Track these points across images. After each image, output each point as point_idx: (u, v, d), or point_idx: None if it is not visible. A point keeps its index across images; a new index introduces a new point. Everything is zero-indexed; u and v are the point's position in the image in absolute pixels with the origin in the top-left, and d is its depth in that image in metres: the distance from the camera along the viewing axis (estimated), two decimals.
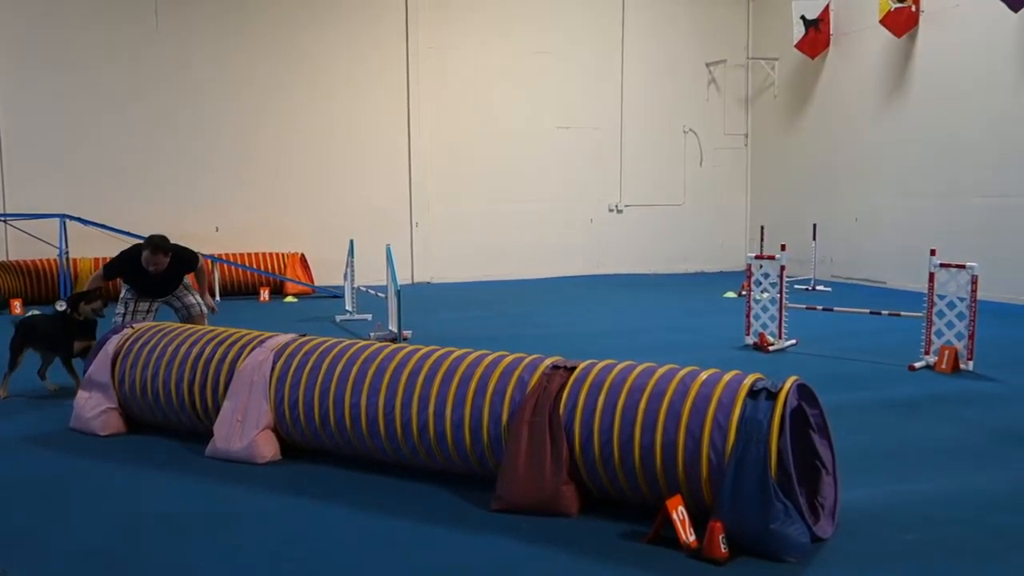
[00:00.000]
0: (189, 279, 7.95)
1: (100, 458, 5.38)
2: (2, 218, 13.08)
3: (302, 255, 14.76)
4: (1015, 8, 12.15)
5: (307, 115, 15.51)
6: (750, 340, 9.14)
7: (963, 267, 7.82)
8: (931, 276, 8.06)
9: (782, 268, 8.98)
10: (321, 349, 5.27)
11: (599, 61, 17.30)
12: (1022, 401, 6.81)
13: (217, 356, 5.55)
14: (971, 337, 7.76)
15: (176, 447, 5.60)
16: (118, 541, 4.08)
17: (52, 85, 14.12)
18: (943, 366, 7.78)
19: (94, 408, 5.87)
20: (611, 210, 17.64)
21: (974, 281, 7.73)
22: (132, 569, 3.78)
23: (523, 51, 16.68)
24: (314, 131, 15.57)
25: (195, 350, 5.67)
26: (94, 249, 13.51)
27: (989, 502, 4.52)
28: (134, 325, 6.26)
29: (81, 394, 5.98)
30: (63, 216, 12.63)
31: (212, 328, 5.99)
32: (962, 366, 7.78)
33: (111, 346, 6.02)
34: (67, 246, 12.69)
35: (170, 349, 5.77)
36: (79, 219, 12.80)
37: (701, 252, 18.18)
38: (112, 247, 13.41)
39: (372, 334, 9.41)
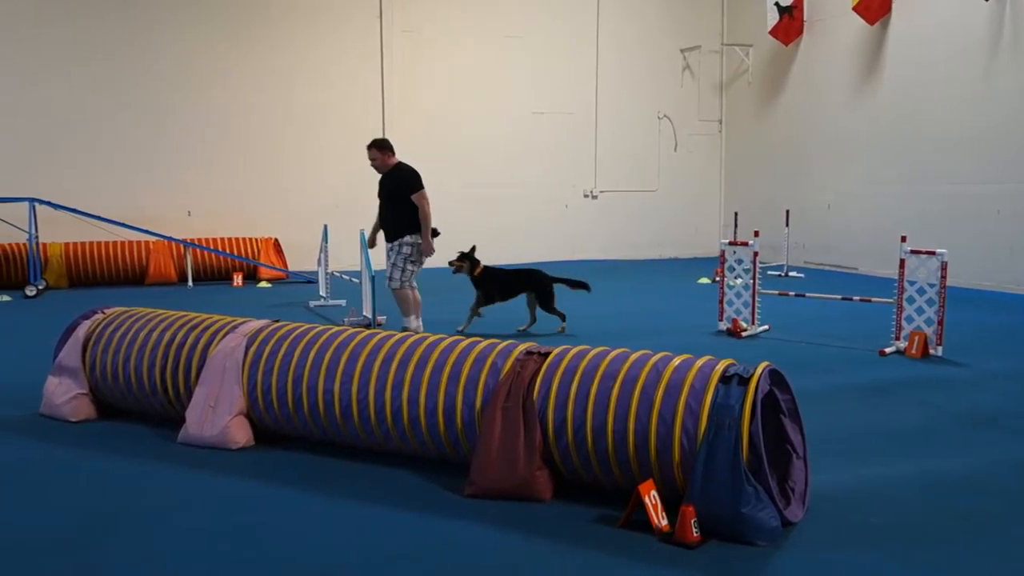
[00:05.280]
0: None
1: (71, 444, 5.33)
2: None
3: (276, 240, 14.67)
4: None
5: (281, 98, 15.39)
6: (723, 326, 9.20)
7: (933, 253, 7.90)
8: (902, 262, 8.14)
9: (755, 254, 9.03)
10: (294, 335, 5.25)
11: (574, 46, 17.28)
12: (989, 386, 6.90)
13: (189, 341, 5.51)
14: (940, 323, 7.85)
15: (148, 433, 5.56)
16: (88, 527, 4.05)
17: (21, 70, 13.91)
18: (913, 351, 7.87)
19: (65, 394, 5.82)
20: (586, 195, 17.66)
21: (944, 267, 7.81)
22: (103, 555, 3.76)
23: (498, 35, 16.63)
24: (288, 115, 15.45)
25: (167, 335, 5.63)
26: (64, 234, 13.37)
27: (955, 485, 4.59)
28: (105, 310, 6.21)
29: (51, 379, 5.92)
30: (32, 200, 12.47)
31: (185, 313, 5.94)
32: (931, 351, 7.88)
33: (82, 331, 5.96)
34: (37, 230, 12.53)
35: (142, 334, 5.72)
36: (49, 203, 12.64)
37: (675, 238, 18.26)
38: (82, 232, 13.36)
39: (346, 320, 9.39)
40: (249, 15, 15.12)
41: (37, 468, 4.93)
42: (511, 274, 9.14)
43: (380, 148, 8.47)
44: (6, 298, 11.83)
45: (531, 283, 8.93)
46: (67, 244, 13.40)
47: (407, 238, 8.29)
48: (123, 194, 14.28)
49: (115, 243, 13.63)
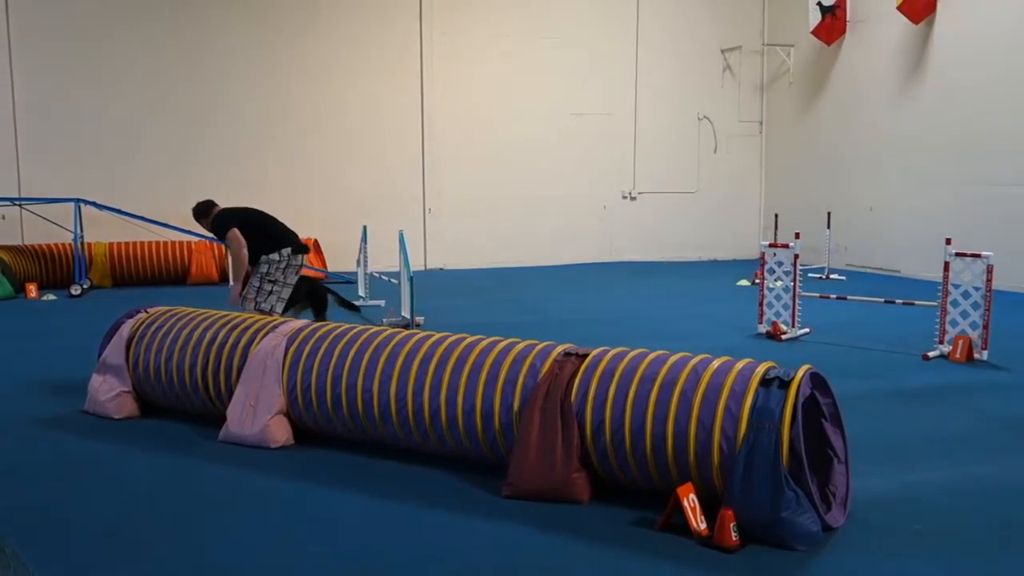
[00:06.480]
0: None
1: (114, 441, 5.42)
2: (18, 203, 13.15)
3: (315, 240, 14.77)
4: None
5: (320, 100, 15.50)
6: (763, 328, 9.11)
7: (978, 256, 7.77)
8: (946, 265, 8.01)
9: (796, 256, 8.94)
10: (334, 335, 5.29)
11: (613, 47, 17.21)
12: None
13: (231, 341, 5.58)
14: (986, 327, 7.72)
15: (189, 431, 5.63)
16: (130, 523, 4.11)
17: (67, 71, 14.15)
18: (957, 356, 7.75)
19: (108, 391, 5.91)
20: (624, 197, 17.59)
21: (989, 270, 7.68)
22: (143, 550, 3.81)
23: (537, 37, 16.61)
24: (327, 116, 15.57)
25: (208, 335, 5.70)
26: (108, 234, 13.57)
27: (1001, 492, 4.51)
28: (148, 309, 6.30)
29: (95, 377, 6.02)
30: (78, 200, 12.68)
31: (226, 313, 6.01)
32: (976, 356, 7.74)
33: (125, 330, 6.05)
34: (82, 230, 12.75)
35: (184, 333, 5.80)
36: (93, 203, 12.85)
37: (715, 240, 18.11)
38: (126, 232, 13.57)
39: (385, 320, 9.44)
40: (289, 17, 15.25)
41: (81, 464, 5.01)
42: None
43: (199, 217, 8.08)
44: (51, 297, 12.05)
45: (310, 294, 8.78)
46: (111, 244, 13.60)
47: (263, 257, 7.93)
48: (166, 194, 14.45)
49: (158, 243, 13.81)
